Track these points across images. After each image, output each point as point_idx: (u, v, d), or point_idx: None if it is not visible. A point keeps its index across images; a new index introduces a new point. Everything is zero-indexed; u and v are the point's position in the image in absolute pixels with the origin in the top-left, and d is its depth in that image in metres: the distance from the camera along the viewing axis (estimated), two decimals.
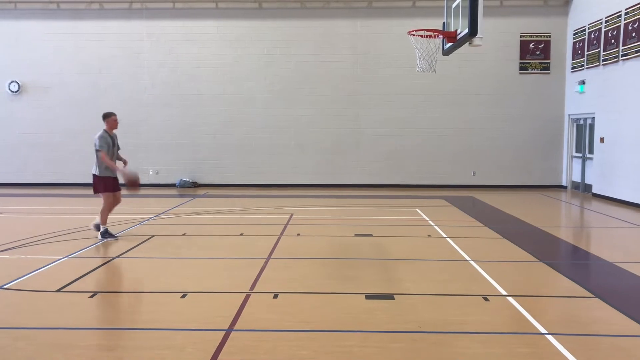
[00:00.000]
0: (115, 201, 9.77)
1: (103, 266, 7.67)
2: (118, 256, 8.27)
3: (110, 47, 18.30)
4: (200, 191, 17.43)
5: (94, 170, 9.59)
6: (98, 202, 14.82)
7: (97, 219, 9.61)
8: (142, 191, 17.36)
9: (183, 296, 6.29)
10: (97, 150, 9.49)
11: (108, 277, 7.18)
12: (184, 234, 10.08)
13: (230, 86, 18.31)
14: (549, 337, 5.03)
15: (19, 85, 18.36)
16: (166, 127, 18.37)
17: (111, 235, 9.51)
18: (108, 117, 9.83)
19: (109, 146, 9.58)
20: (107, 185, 9.56)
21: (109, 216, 9.71)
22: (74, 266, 7.65)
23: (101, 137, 9.52)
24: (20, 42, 18.38)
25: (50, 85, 18.43)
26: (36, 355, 4.65)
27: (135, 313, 5.79)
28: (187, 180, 18.29)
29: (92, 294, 6.33)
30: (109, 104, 18.31)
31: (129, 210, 13.06)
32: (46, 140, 18.48)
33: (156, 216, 12.13)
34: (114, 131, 9.91)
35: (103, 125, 9.81)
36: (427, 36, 10.94)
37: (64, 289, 6.53)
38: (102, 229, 9.49)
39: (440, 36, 10.94)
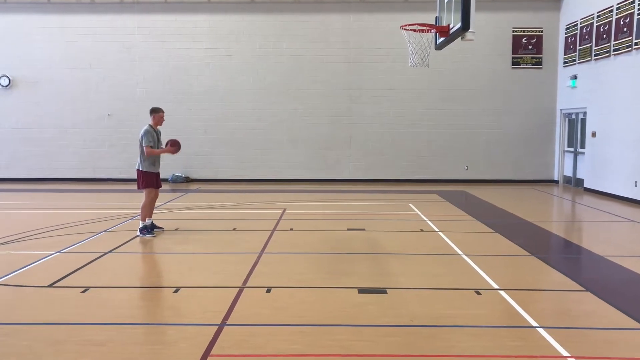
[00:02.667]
0: (155, 197, 9.66)
1: (95, 261, 7.63)
2: (110, 251, 8.23)
3: (101, 41, 18.18)
4: (193, 186, 17.38)
5: (138, 165, 9.45)
6: (87, 197, 14.83)
7: (140, 223, 9.45)
8: (134, 186, 17.30)
9: (175, 291, 6.28)
10: (145, 147, 9.30)
11: (100, 273, 7.15)
12: (176, 229, 10.05)
13: (223, 80, 18.25)
14: (540, 330, 5.06)
15: (9, 79, 18.22)
16: None
17: (149, 232, 9.38)
18: (156, 112, 9.60)
19: (155, 142, 9.42)
20: (150, 181, 9.45)
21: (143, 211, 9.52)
22: (65, 261, 7.61)
23: (147, 133, 9.34)
24: (10, 36, 18.23)
25: (40, 79, 18.30)
26: (27, 350, 4.63)
27: (127, 308, 5.76)
28: (180, 175, 18.23)
29: (83, 289, 6.30)
30: (100, 98, 18.34)
31: (121, 205, 13.02)
32: (37, 134, 18.37)
33: None
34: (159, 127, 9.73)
35: (148, 120, 9.60)
36: (419, 30, 10.90)
37: (55, 284, 6.50)
38: (141, 225, 9.40)
39: (432, 31, 10.91)
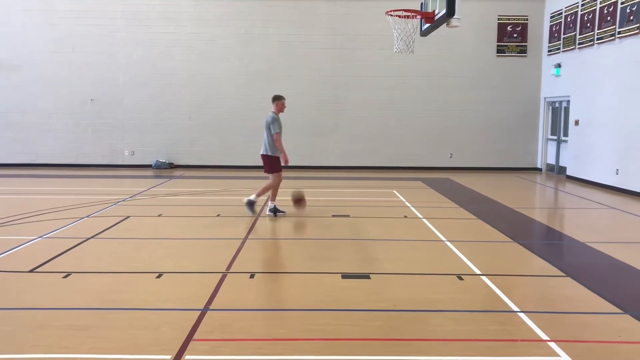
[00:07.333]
0: (280, 180, 10.06)
1: (77, 247, 7.57)
2: (93, 237, 8.17)
3: (84, 25, 17.89)
4: (177, 172, 17.28)
5: (265, 150, 9.90)
6: (70, 183, 14.68)
7: (253, 196, 10.02)
8: (118, 172, 17.20)
9: (158, 276, 6.26)
10: (273, 133, 9.71)
11: (82, 258, 7.10)
12: (159, 215, 10.00)
13: (208, 66, 18.09)
14: (521, 314, 5.12)
15: None
16: (142, 107, 18.07)
17: (279, 210, 9.97)
18: (278, 99, 9.95)
19: (281, 128, 9.81)
20: (278, 164, 9.91)
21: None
22: (47, 246, 7.54)
23: (275, 120, 9.71)
24: None
25: (22, 63, 17.99)
26: (8, 335, 4.59)
27: (109, 293, 5.73)
28: (164, 161, 18.10)
29: (65, 274, 6.25)
30: (83, 83, 18.10)
31: (104, 191, 12.92)
32: (19, 119, 18.10)
33: (132, 197, 12.00)
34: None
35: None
36: (405, 16, 10.89)
37: (36, 270, 6.44)
38: (271, 205, 9.97)
39: (418, 16, 10.91)
